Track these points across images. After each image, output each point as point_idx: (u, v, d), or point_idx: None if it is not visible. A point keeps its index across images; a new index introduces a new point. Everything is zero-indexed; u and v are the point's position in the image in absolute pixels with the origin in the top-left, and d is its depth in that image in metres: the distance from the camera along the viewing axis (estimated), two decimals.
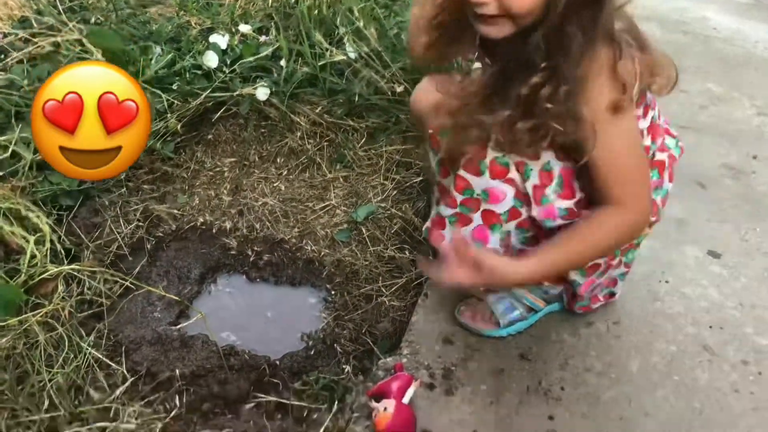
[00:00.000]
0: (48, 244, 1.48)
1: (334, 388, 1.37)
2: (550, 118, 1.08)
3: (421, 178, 1.90)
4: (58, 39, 1.89)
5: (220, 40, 2.05)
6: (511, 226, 1.26)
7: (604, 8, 1.04)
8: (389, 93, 1.97)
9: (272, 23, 2.21)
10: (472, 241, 1.18)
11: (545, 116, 1.08)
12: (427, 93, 1.41)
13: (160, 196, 1.84)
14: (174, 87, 1.95)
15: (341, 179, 1.93)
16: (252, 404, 1.36)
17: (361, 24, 2.00)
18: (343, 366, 1.44)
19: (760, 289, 1.59)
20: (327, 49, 2.01)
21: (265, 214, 1.81)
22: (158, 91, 1.89)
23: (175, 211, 1.79)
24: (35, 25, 1.99)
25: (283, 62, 2.05)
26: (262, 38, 2.15)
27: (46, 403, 1.26)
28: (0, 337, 1.30)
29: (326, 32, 2.10)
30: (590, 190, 1.19)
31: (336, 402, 1.34)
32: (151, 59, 1.97)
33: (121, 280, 1.53)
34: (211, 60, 1.98)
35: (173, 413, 1.32)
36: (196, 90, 1.96)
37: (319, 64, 2.01)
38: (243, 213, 1.82)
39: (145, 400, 1.34)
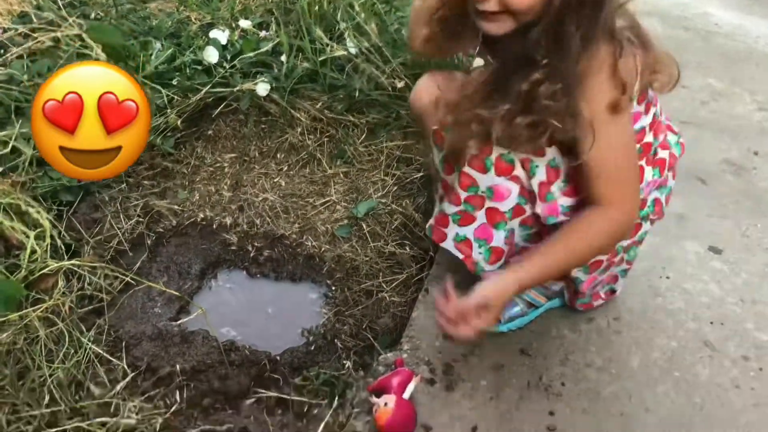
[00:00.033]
0: (48, 240, 1.48)
1: (335, 383, 1.37)
2: (548, 114, 1.08)
3: (421, 174, 1.89)
4: (58, 34, 1.88)
5: (221, 35, 2.04)
6: (515, 223, 1.26)
7: (604, 7, 1.04)
8: (390, 88, 1.97)
9: (272, 18, 2.20)
10: (449, 294, 1.17)
11: (544, 113, 1.08)
12: (426, 91, 1.41)
13: (160, 192, 1.84)
14: (174, 82, 1.94)
15: (341, 175, 1.93)
16: (252, 399, 1.36)
17: (361, 19, 2.00)
18: (344, 361, 1.44)
19: (761, 285, 1.59)
20: (327, 45, 2.01)
21: (266, 210, 1.80)
22: (158, 87, 1.89)
23: (176, 207, 1.79)
24: (35, 20, 1.98)
25: (283, 58, 2.04)
26: (263, 33, 2.15)
27: (47, 398, 1.26)
28: (0, 332, 1.30)
29: (327, 27, 2.09)
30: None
31: (336, 397, 1.34)
32: (151, 55, 1.96)
33: (121, 276, 1.53)
34: (211, 55, 1.97)
35: (174, 408, 1.32)
36: (196, 85, 1.95)
37: (320, 59, 2.01)
38: (243, 209, 1.81)
39: (146, 395, 1.34)
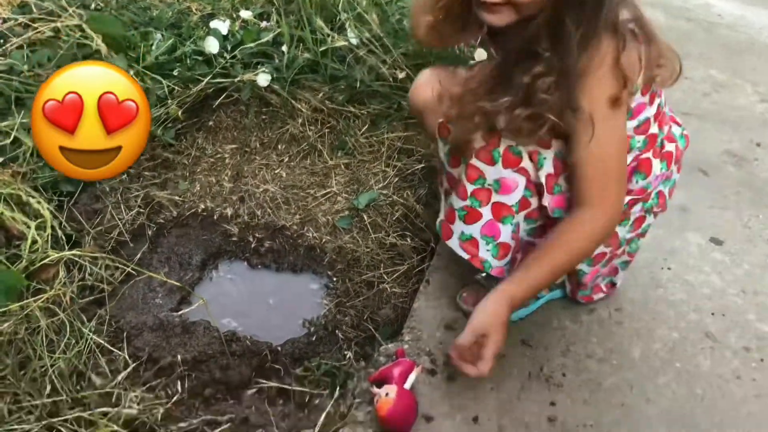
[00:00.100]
0: (49, 230, 1.48)
1: (336, 374, 1.37)
2: (547, 109, 1.07)
3: (422, 165, 1.89)
4: (58, 24, 1.88)
5: (221, 25, 2.03)
6: (520, 217, 1.26)
7: (605, 1, 1.04)
8: (391, 79, 1.96)
9: (273, 9, 2.19)
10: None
11: (542, 106, 1.07)
12: (426, 86, 1.41)
13: (161, 183, 1.84)
14: (175, 73, 1.93)
15: (342, 166, 1.93)
16: (254, 390, 1.36)
17: (362, 9, 1.99)
18: (345, 352, 1.44)
19: (762, 276, 1.59)
20: (328, 35, 2.00)
21: (267, 201, 1.80)
22: (159, 78, 1.88)
23: (176, 198, 1.79)
24: (35, 10, 1.97)
25: (284, 48, 2.03)
26: (263, 24, 2.14)
27: (48, 388, 1.26)
28: (1, 322, 1.29)
29: (327, 18, 2.08)
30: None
31: (338, 388, 1.34)
32: (151, 45, 1.95)
33: (122, 266, 1.53)
34: (211, 46, 1.96)
35: (175, 398, 1.32)
36: (196, 76, 1.94)
37: (321, 50, 2.00)
38: (244, 200, 1.81)
39: (147, 386, 1.34)
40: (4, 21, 1.95)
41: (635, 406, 1.29)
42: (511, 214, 1.24)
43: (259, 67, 2.00)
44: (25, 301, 1.34)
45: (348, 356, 1.42)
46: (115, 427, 1.22)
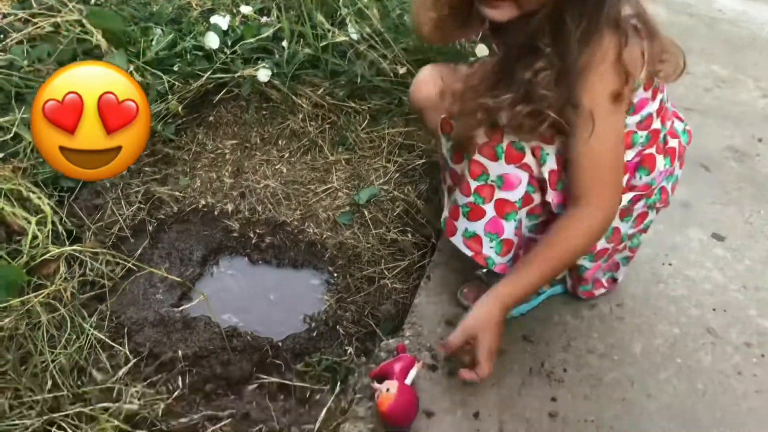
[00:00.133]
0: (49, 226, 1.48)
1: (337, 369, 1.37)
2: (547, 105, 1.07)
3: (423, 161, 1.88)
4: (58, 19, 1.87)
5: (221, 21, 2.03)
6: (523, 213, 1.25)
7: None
8: (392, 74, 1.95)
9: (273, 4, 2.18)
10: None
11: (542, 102, 1.07)
12: (427, 83, 1.41)
13: (161, 178, 1.83)
14: (175, 68, 1.93)
15: (343, 162, 1.92)
16: (255, 385, 1.37)
17: (363, 4, 1.98)
18: (346, 347, 1.44)
19: (764, 272, 1.59)
20: (329, 30, 1.99)
21: (267, 197, 1.80)
22: (159, 73, 1.88)
23: (177, 194, 1.78)
24: (35, 5, 1.97)
25: (284, 43, 2.03)
26: (264, 19, 2.13)
27: (49, 383, 1.26)
28: (3, 317, 1.30)
29: (328, 13, 2.08)
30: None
31: (338, 383, 1.34)
32: (151, 40, 1.95)
33: (123, 262, 1.53)
34: (212, 41, 1.96)
35: (176, 394, 1.32)
36: (197, 71, 1.94)
37: (321, 45, 2.00)
38: (245, 195, 1.81)
39: (148, 381, 1.34)
40: (4, 16, 1.94)
41: (636, 401, 1.29)
42: (514, 211, 1.24)
43: (259, 62, 2.00)
44: (25, 297, 1.34)
45: (349, 352, 1.42)
46: (116, 423, 1.22)
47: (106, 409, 1.24)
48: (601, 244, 1.30)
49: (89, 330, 1.37)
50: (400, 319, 1.48)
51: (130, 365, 1.35)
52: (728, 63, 2.54)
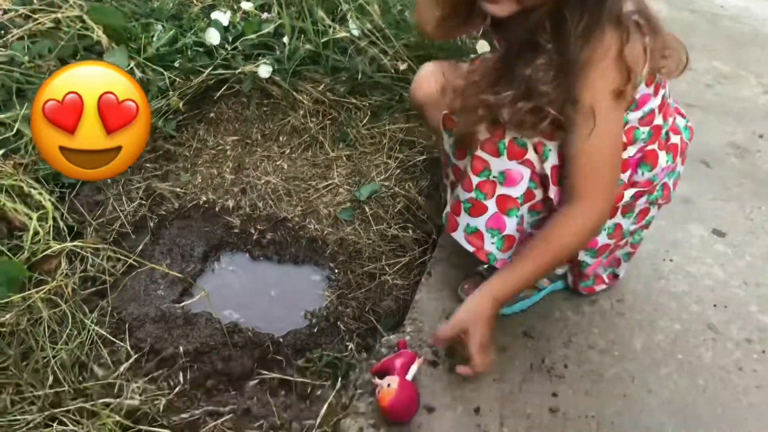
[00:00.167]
0: (51, 221, 1.48)
1: (338, 365, 1.37)
2: (548, 102, 1.07)
3: (424, 157, 1.88)
4: (59, 15, 1.87)
5: (222, 17, 2.03)
6: (525, 209, 1.25)
7: None
8: (393, 70, 1.95)
9: (274, 0, 2.18)
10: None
11: (543, 99, 1.07)
12: (428, 80, 1.41)
13: (162, 175, 1.83)
14: (176, 64, 1.93)
15: (344, 158, 1.92)
16: (256, 381, 1.37)
17: (364, 0, 1.98)
18: (347, 343, 1.44)
19: (764, 268, 1.59)
20: (330, 26, 1.99)
21: (268, 193, 1.80)
22: (160, 69, 1.88)
23: (178, 190, 1.79)
24: (35, 1, 1.96)
25: (285, 39, 2.02)
26: (264, 15, 2.13)
27: (51, 378, 1.26)
28: (4, 313, 1.29)
29: (329, 9, 2.07)
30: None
31: (339, 379, 1.34)
32: (152, 36, 1.95)
33: (124, 258, 1.53)
34: (212, 37, 1.96)
35: (177, 389, 1.33)
36: (198, 67, 1.94)
37: (322, 41, 1.99)
38: (246, 191, 1.81)
39: (149, 377, 1.34)
40: (5, 12, 1.94)
41: (637, 397, 1.29)
42: (516, 207, 1.24)
43: (260, 58, 1.99)
44: (27, 292, 1.34)
45: (350, 347, 1.42)
46: (117, 418, 1.22)
47: (107, 405, 1.25)
48: (603, 239, 1.30)
49: (90, 326, 1.37)
50: (401, 315, 1.48)
51: (131, 361, 1.36)
52: (730, 59, 2.54)
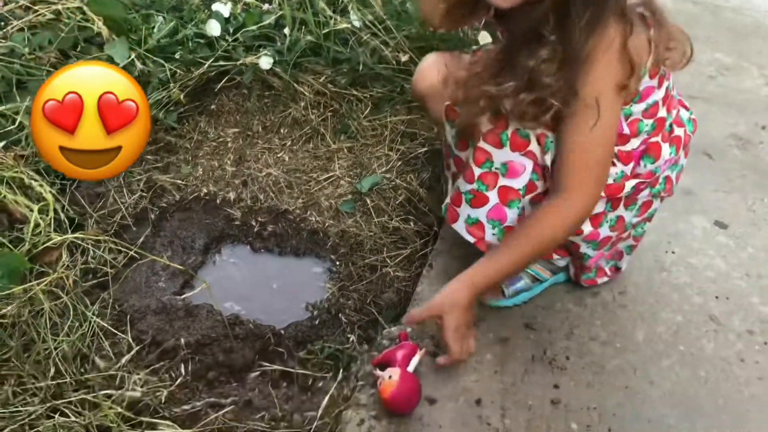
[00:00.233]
0: (51, 213, 1.48)
1: (339, 357, 1.37)
2: (550, 94, 1.07)
3: (426, 149, 1.88)
4: (59, 7, 1.86)
5: (223, 8, 2.02)
6: (526, 200, 1.25)
7: None
8: (394, 62, 1.94)
9: None
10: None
11: (546, 91, 1.07)
12: (430, 72, 1.40)
13: (163, 167, 1.83)
14: (176, 56, 1.92)
15: (345, 150, 1.92)
16: (257, 373, 1.37)
17: None
18: (348, 335, 1.44)
19: (766, 260, 1.58)
20: (331, 18, 1.98)
21: (269, 185, 1.80)
22: (161, 61, 1.87)
23: (179, 182, 1.78)
24: None
25: (286, 31, 2.02)
26: (265, 6, 2.12)
27: (52, 370, 1.26)
28: (5, 305, 1.30)
29: (330, 0, 2.07)
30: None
31: (341, 371, 1.34)
32: (153, 28, 1.94)
33: (125, 250, 1.53)
34: (213, 28, 1.95)
35: (178, 381, 1.33)
36: (198, 59, 1.93)
37: (323, 32, 1.99)
38: (247, 183, 1.81)
39: (150, 368, 1.34)
40: (5, 4, 1.93)
41: (639, 388, 1.29)
42: (518, 198, 1.24)
43: (261, 50, 1.99)
44: (28, 284, 1.34)
45: (351, 339, 1.42)
46: (119, 409, 1.22)
47: (108, 396, 1.25)
48: (605, 232, 1.30)
49: (92, 318, 1.37)
50: (402, 307, 1.48)
51: (132, 353, 1.36)
52: (732, 51, 2.53)
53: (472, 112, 1.19)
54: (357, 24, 1.97)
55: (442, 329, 1.20)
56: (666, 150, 1.26)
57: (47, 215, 1.47)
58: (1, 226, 1.46)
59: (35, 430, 1.18)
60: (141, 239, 1.63)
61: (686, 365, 1.33)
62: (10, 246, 1.41)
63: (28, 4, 1.90)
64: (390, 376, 1.19)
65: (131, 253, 1.53)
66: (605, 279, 1.46)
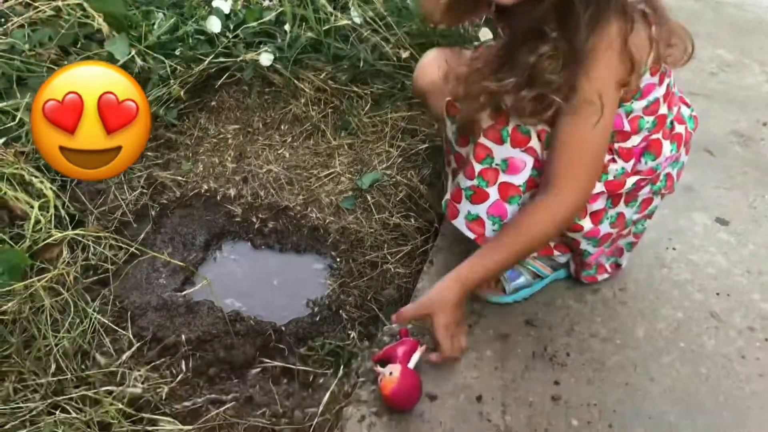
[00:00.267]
0: (52, 210, 1.48)
1: (340, 353, 1.37)
2: (551, 90, 1.07)
3: (426, 146, 1.88)
4: (59, 3, 1.86)
5: (223, 4, 2.02)
6: (526, 197, 1.25)
7: None
8: (394, 58, 1.94)
9: None
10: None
11: (547, 87, 1.07)
12: (431, 67, 1.40)
13: (163, 163, 1.83)
14: (177, 53, 1.92)
15: (346, 146, 1.92)
16: (258, 369, 1.37)
17: None
18: (349, 332, 1.44)
19: (767, 256, 1.58)
20: (331, 14, 1.98)
21: (270, 182, 1.79)
22: (161, 57, 1.87)
23: (179, 178, 1.78)
24: None
25: (287, 27, 2.02)
26: (266, 3, 2.12)
27: (53, 366, 1.26)
28: (6, 301, 1.30)
29: None
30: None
31: (342, 367, 1.34)
32: (153, 24, 1.94)
33: (125, 246, 1.53)
34: (214, 25, 1.95)
35: (179, 378, 1.33)
36: (199, 56, 1.93)
37: (324, 29, 1.98)
38: (247, 180, 1.80)
39: (151, 365, 1.34)
40: (5, 0, 1.93)
41: (639, 385, 1.29)
42: (518, 194, 1.23)
43: (261, 46, 1.99)
44: (29, 281, 1.34)
45: (352, 336, 1.42)
46: (120, 406, 1.22)
47: (109, 393, 1.25)
48: (605, 229, 1.30)
49: (92, 314, 1.37)
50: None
51: (133, 349, 1.36)
52: (734, 47, 2.53)
53: (472, 108, 1.19)
54: (357, 20, 1.97)
55: (432, 327, 1.20)
56: (667, 147, 1.25)
57: (48, 212, 1.47)
58: (1, 222, 1.46)
59: (36, 426, 1.18)
60: (141, 236, 1.63)
61: (687, 362, 1.33)
62: (11, 242, 1.41)
63: (29, 1, 1.89)
64: (391, 373, 1.19)
65: (132, 249, 1.53)
66: (606, 276, 1.46)
